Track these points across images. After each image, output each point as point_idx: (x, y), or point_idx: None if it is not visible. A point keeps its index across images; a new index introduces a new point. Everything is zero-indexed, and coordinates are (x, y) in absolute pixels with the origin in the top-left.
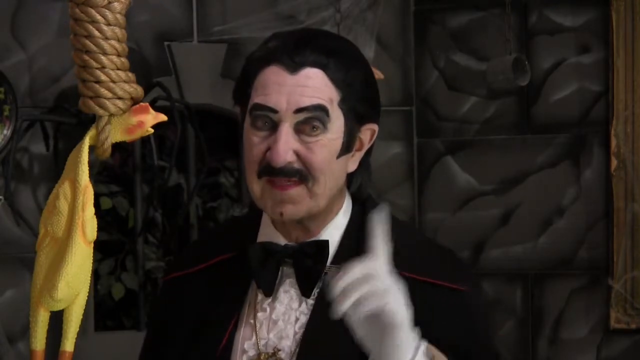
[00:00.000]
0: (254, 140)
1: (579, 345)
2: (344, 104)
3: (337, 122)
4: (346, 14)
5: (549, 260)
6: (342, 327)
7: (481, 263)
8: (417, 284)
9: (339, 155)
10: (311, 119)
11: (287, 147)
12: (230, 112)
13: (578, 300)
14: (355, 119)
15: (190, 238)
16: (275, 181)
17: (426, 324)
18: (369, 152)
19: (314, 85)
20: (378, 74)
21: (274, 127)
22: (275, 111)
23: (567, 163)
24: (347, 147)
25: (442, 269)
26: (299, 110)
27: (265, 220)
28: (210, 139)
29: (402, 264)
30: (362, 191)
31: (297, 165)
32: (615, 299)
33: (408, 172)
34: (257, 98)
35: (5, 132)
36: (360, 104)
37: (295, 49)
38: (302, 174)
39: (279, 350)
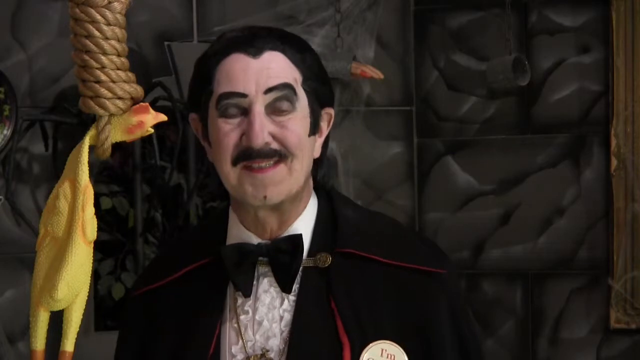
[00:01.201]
0: (225, 129)
1: (579, 345)
2: (305, 84)
3: (303, 101)
4: (346, 14)
5: (549, 260)
6: (327, 319)
7: (481, 263)
8: (394, 269)
9: (309, 134)
10: (280, 99)
11: (263, 126)
12: None
13: (578, 300)
14: (316, 100)
15: None
16: (254, 165)
17: (405, 309)
18: (325, 145)
19: (277, 66)
20: (378, 74)
21: (244, 113)
22: (244, 95)
23: (567, 163)
24: (314, 128)
25: (417, 253)
26: (269, 91)
27: (233, 221)
28: None
29: (377, 250)
30: (327, 181)
31: (274, 145)
32: (615, 299)
33: (408, 172)
34: (223, 88)
35: (5, 132)
36: (320, 85)
37: (253, 37)
38: (281, 154)
39: (267, 350)
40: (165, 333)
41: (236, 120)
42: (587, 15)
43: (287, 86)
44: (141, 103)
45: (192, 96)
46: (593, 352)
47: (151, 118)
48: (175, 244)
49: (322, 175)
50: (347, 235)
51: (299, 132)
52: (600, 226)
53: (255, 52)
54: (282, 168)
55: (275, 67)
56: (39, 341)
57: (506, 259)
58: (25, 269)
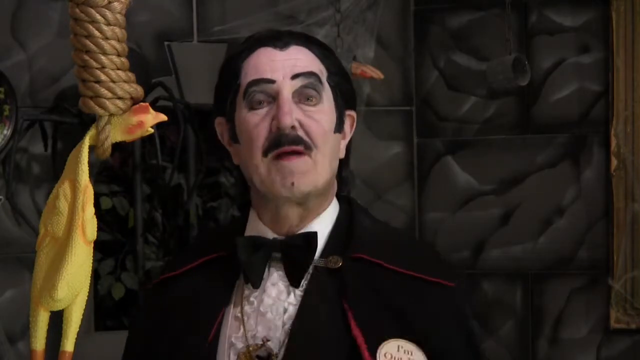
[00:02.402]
0: (255, 120)
1: (579, 345)
2: (330, 79)
3: (328, 93)
4: (346, 14)
5: (549, 260)
6: (331, 317)
7: (481, 263)
8: (404, 277)
9: (335, 131)
10: (307, 87)
11: (291, 109)
12: None
13: (578, 300)
14: (340, 96)
15: (190, 238)
16: (283, 153)
17: (413, 316)
18: (348, 148)
19: (303, 57)
20: (378, 74)
21: (272, 100)
22: (272, 81)
23: (567, 163)
24: (339, 125)
25: (430, 266)
26: (295, 77)
27: (253, 217)
28: (211, 139)
29: (389, 258)
30: (348, 186)
31: (300, 133)
32: (615, 299)
33: (408, 172)
34: (250, 77)
35: (5, 132)
36: (343, 82)
37: (278, 34)
38: (307, 144)
39: (268, 340)
40: (171, 319)
41: (264, 110)
42: (587, 15)
43: (313, 74)
44: (141, 103)
45: (219, 98)
46: (593, 352)
47: (151, 118)
48: (198, 237)
49: (345, 180)
50: (361, 242)
51: (324, 125)
52: (600, 226)
53: (282, 45)
54: (306, 159)
55: (301, 57)
56: (39, 341)
57: (506, 259)
58: (25, 269)
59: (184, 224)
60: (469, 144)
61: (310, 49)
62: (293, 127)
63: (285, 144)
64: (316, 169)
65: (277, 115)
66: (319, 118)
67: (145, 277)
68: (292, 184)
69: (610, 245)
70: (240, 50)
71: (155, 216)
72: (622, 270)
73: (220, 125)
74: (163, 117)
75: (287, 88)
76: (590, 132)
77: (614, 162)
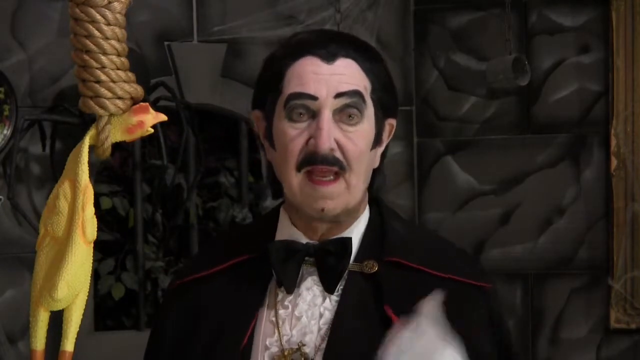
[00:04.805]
0: (292, 134)
1: (579, 345)
2: (374, 93)
3: (370, 110)
4: (346, 14)
5: (549, 260)
6: (368, 322)
7: (481, 263)
8: (438, 280)
9: (372, 148)
10: (349, 106)
11: (330, 132)
12: (231, 112)
13: (578, 300)
14: (382, 110)
15: (190, 238)
16: (316, 173)
17: (454, 322)
18: (384, 153)
19: (350, 73)
20: None
21: (313, 116)
22: (315, 98)
23: (567, 163)
24: (377, 139)
25: (466, 268)
26: (339, 96)
27: (284, 219)
28: (210, 139)
29: (423, 261)
30: (380, 190)
31: (337, 154)
32: (615, 299)
33: (408, 172)
34: (293, 88)
35: (5, 132)
36: (386, 95)
37: (327, 41)
38: (342, 164)
39: (304, 345)
40: (203, 323)
41: (303, 125)
42: (587, 15)
43: (357, 93)
44: (141, 103)
45: (258, 94)
46: (593, 352)
47: (151, 118)
48: (225, 235)
49: (376, 186)
50: (395, 245)
51: (362, 147)
52: (600, 226)
53: (329, 57)
54: (340, 182)
55: (347, 73)
56: (39, 341)
57: (506, 259)
58: (25, 269)
59: (184, 224)
60: (469, 144)
61: (357, 62)
62: (332, 150)
63: (320, 163)
64: (348, 191)
65: (316, 137)
66: (357, 140)
67: (145, 277)
68: (323, 209)
69: (610, 245)
70: (286, 53)
71: (155, 216)
72: (622, 270)
73: (257, 118)
74: (163, 117)
75: (329, 107)
76: (590, 132)
77: (614, 162)
